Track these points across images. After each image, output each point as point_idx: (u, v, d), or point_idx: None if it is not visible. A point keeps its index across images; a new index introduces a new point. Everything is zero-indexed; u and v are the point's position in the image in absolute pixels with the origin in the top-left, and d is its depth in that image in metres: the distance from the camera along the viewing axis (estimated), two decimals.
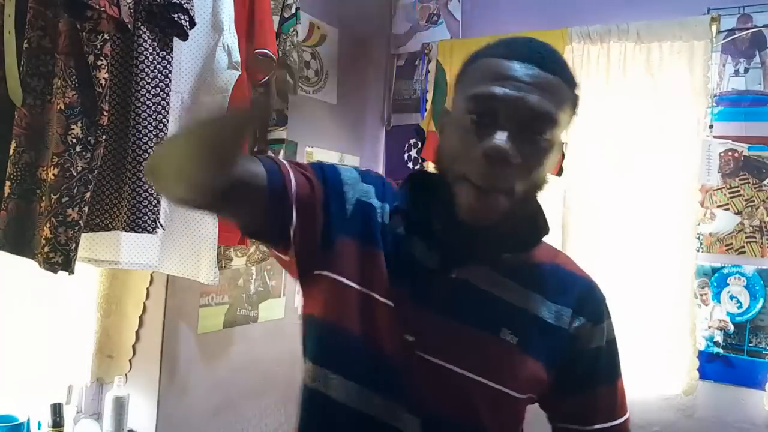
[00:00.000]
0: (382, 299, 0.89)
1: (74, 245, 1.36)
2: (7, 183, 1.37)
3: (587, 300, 0.96)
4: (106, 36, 1.36)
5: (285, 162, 0.92)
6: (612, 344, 0.98)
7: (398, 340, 0.88)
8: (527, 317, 0.91)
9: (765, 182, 2.21)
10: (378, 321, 0.89)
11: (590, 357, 0.95)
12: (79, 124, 1.35)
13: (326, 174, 0.94)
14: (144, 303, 1.99)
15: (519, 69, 0.82)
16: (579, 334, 0.93)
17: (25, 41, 1.36)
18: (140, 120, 1.43)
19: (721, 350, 2.25)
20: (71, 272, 1.37)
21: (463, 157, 0.84)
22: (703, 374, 2.22)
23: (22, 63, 1.36)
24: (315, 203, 0.91)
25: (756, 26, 2.24)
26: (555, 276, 0.96)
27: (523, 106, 0.81)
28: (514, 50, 0.84)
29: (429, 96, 2.72)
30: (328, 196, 0.92)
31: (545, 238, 0.97)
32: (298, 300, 2.36)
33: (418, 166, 2.82)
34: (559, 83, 0.84)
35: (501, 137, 0.81)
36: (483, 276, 0.91)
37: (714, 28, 2.22)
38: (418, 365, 0.87)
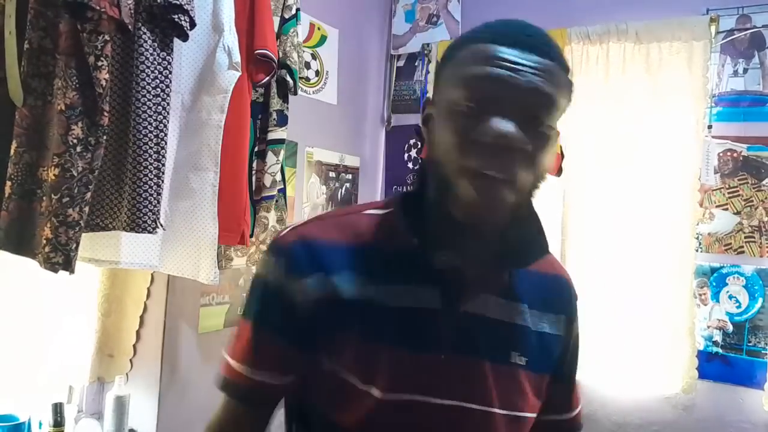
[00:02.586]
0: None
1: (75, 245, 1.36)
2: (8, 183, 1.37)
3: (570, 299, 0.97)
4: (106, 37, 1.37)
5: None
6: (578, 339, 1.00)
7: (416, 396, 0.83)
8: (531, 334, 0.89)
9: (764, 182, 2.22)
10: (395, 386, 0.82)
11: (571, 351, 0.97)
12: (80, 124, 1.36)
13: (274, 331, 0.85)
14: (145, 302, 1.99)
15: (515, 53, 0.76)
16: (568, 334, 0.95)
17: (26, 42, 1.36)
18: (140, 120, 1.43)
19: (720, 350, 2.26)
20: (72, 272, 1.38)
21: (464, 147, 0.76)
22: (702, 374, 2.23)
23: (22, 63, 1.36)
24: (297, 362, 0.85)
25: (755, 27, 2.24)
26: (548, 285, 0.94)
27: (526, 89, 0.75)
28: (508, 34, 0.78)
29: (429, 96, 2.72)
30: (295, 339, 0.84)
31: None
32: None
33: (417, 167, 2.82)
34: (556, 68, 0.78)
35: (506, 123, 0.75)
36: (491, 303, 0.87)
37: (713, 28, 2.22)
38: (436, 413, 0.83)
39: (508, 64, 0.76)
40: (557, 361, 0.94)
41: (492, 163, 0.75)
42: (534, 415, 0.91)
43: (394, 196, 0.92)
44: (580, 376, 1.01)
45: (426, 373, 0.82)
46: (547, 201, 2.47)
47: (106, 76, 1.37)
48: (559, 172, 2.45)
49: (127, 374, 1.95)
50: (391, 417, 0.82)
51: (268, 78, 1.81)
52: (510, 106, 0.75)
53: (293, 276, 0.83)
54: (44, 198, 1.37)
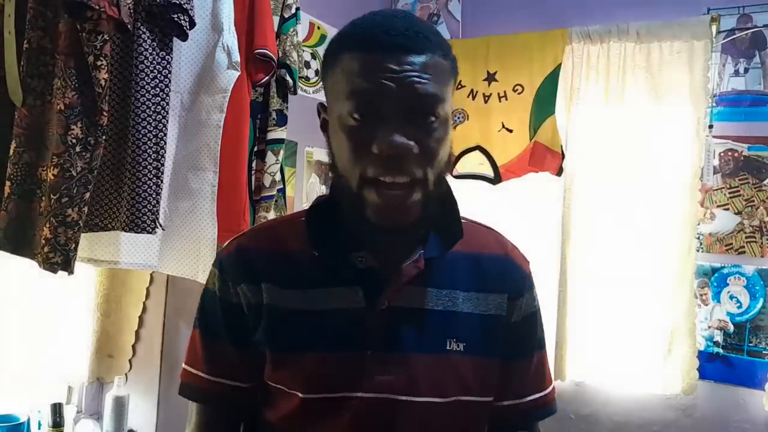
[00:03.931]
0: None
1: (74, 245, 1.36)
2: (7, 183, 1.37)
3: (513, 278, 0.95)
4: (105, 36, 1.36)
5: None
6: (531, 317, 0.97)
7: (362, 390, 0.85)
8: (469, 318, 0.89)
9: (765, 182, 2.21)
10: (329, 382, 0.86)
11: (518, 331, 0.94)
12: (79, 124, 1.35)
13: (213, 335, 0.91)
14: (144, 303, 1.99)
15: (391, 59, 0.77)
16: (508, 313, 0.93)
17: (25, 41, 1.36)
18: (140, 120, 1.43)
19: (720, 350, 2.25)
20: (71, 272, 1.37)
21: (359, 160, 0.79)
22: (703, 374, 2.22)
23: (22, 63, 1.36)
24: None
25: (756, 26, 2.24)
26: (488, 265, 0.93)
27: (408, 95, 0.77)
28: (380, 39, 0.78)
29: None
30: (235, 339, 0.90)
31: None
32: None
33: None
34: (434, 59, 0.79)
35: (391, 132, 0.77)
36: (415, 293, 0.87)
37: (714, 28, 2.22)
38: (366, 407, 0.85)
39: (386, 74, 0.77)
40: (504, 342, 0.92)
41: (389, 170, 0.78)
42: (482, 399, 0.90)
43: (313, 201, 0.96)
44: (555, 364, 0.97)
45: (352, 371, 0.85)
46: (547, 201, 2.47)
47: (106, 75, 1.37)
48: (559, 171, 2.44)
49: (126, 375, 1.94)
50: (320, 415, 0.86)
51: (267, 77, 1.80)
52: (395, 114, 0.78)
53: (227, 284, 0.89)
54: (43, 198, 1.37)
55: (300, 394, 0.85)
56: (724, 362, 2.24)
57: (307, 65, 2.49)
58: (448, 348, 0.87)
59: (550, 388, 1.00)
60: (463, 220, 0.92)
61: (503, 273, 0.94)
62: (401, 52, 0.77)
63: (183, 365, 0.94)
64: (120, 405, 1.88)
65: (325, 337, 0.86)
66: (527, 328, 0.97)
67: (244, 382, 0.90)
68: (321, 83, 2.57)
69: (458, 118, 2.60)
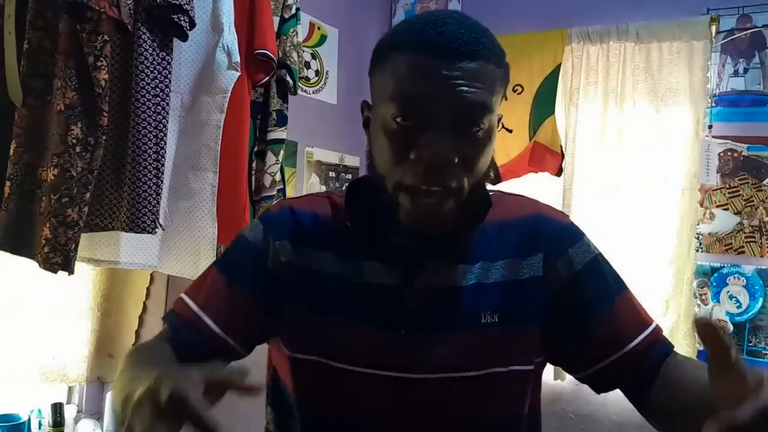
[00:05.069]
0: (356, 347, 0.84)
1: (74, 245, 1.36)
2: (7, 183, 1.37)
3: (546, 235, 0.89)
4: (106, 37, 1.36)
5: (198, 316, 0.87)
6: (591, 266, 0.89)
7: (388, 376, 0.84)
8: (500, 289, 0.86)
9: (764, 182, 2.21)
10: (363, 357, 0.84)
11: (576, 286, 0.87)
12: (79, 124, 1.36)
13: (238, 277, 0.89)
14: (144, 302, 1.99)
15: (443, 64, 0.74)
16: (550, 274, 0.87)
17: (26, 42, 1.36)
18: (140, 121, 1.43)
19: None
20: (71, 272, 1.38)
21: (398, 164, 0.78)
22: None
23: (22, 63, 1.36)
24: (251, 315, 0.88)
25: (755, 26, 2.24)
26: (517, 230, 0.89)
27: (453, 105, 0.75)
28: (430, 40, 0.75)
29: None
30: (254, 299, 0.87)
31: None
32: None
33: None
34: (486, 67, 0.76)
35: (434, 140, 0.75)
36: (447, 271, 0.85)
37: (713, 28, 2.22)
38: (415, 389, 0.84)
39: (435, 79, 0.74)
40: (553, 303, 0.86)
41: (428, 179, 0.76)
42: (521, 368, 0.86)
43: (351, 180, 0.95)
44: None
45: (384, 347, 0.84)
46: (547, 201, 2.46)
47: (106, 76, 1.37)
48: (558, 172, 2.44)
49: None
50: (349, 389, 0.85)
51: (267, 78, 1.81)
52: (440, 121, 0.75)
53: (267, 237, 0.89)
54: (43, 198, 1.37)
55: (334, 366, 0.84)
56: None
57: (307, 66, 2.50)
58: (482, 321, 0.84)
59: (653, 326, 0.89)
60: (491, 192, 0.89)
61: (534, 232, 0.89)
62: (453, 57, 0.74)
63: (181, 294, 0.90)
64: None
65: (359, 309, 0.85)
66: (592, 278, 0.88)
67: (235, 340, 0.87)
68: (321, 84, 2.58)
69: None
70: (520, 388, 0.88)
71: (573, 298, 0.87)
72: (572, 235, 0.91)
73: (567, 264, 0.88)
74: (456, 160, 0.75)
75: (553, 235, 0.89)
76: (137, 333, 1.99)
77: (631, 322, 0.88)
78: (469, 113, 0.76)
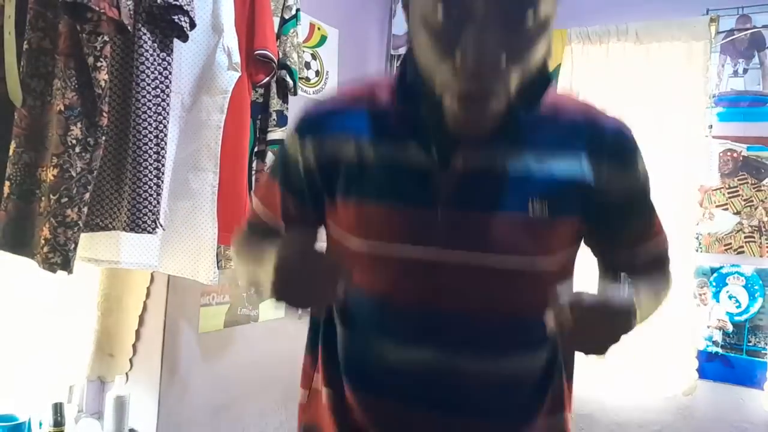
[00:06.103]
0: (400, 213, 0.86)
1: (73, 245, 1.36)
2: (7, 183, 1.38)
3: (590, 134, 0.87)
4: (106, 37, 1.37)
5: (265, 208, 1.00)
6: (634, 172, 0.91)
7: (430, 250, 0.84)
8: (542, 177, 0.84)
9: (764, 182, 2.21)
10: (402, 236, 0.86)
11: (606, 188, 0.87)
12: (79, 125, 1.36)
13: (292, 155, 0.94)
14: (145, 302, 1.99)
15: None
16: (593, 170, 0.86)
17: (25, 42, 1.37)
18: (140, 121, 1.43)
19: (720, 350, 2.26)
20: (70, 272, 1.38)
21: (440, 64, 0.73)
22: (702, 374, 2.23)
23: (22, 64, 1.37)
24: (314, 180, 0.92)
25: (755, 27, 2.24)
26: (561, 126, 0.87)
27: None
28: None
29: None
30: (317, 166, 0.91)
31: None
32: None
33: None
34: None
35: (478, 39, 0.69)
36: (490, 155, 0.83)
37: (713, 28, 2.22)
38: (455, 269, 0.84)
39: None
40: (588, 201, 0.86)
41: (471, 84, 0.72)
42: (553, 258, 0.88)
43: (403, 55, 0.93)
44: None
45: (420, 226, 0.84)
46: None
47: (106, 76, 1.37)
48: None
49: (127, 374, 1.95)
50: (384, 268, 0.87)
51: (267, 78, 1.81)
52: (485, 13, 0.69)
53: (302, 135, 0.91)
54: (43, 198, 1.37)
55: (372, 248, 0.86)
56: (723, 362, 2.25)
57: (308, 66, 2.50)
58: (521, 208, 0.83)
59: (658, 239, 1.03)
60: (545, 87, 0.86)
61: (586, 130, 0.87)
62: None
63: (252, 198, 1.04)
64: (121, 404, 1.88)
65: (394, 189, 0.85)
66: (632, 186, 0.91)
67: (288, 223, 0.95)
68: (321, 84, 2.58)
69: None
70: (550, 277, 0.87)
71: (612, 198, 0.88)
72: (624, 139, 0.91)
73: (599, 166, 0.87)
74: (503, 64, 0.70)
75: (595, 138, 0.87)
76: (138, 332, 1.99)
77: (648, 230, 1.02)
78: (516, 5, 0.71)
